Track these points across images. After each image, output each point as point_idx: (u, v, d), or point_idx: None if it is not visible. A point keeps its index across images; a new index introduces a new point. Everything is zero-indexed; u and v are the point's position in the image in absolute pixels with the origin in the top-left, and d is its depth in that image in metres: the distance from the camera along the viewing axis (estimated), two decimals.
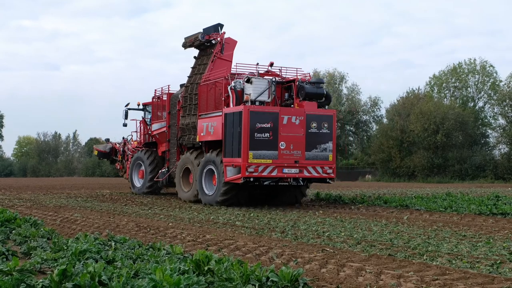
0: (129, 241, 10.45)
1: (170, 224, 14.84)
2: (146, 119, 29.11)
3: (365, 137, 73.13)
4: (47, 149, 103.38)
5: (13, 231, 12.20)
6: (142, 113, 29.94)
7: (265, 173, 19.75)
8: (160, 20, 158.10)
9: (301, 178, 20.40)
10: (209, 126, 21.68)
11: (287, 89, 21.75)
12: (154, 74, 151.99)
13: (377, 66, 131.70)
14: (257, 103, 20.38)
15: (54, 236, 11.44)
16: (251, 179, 19.70)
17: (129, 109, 30.00)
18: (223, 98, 21.09)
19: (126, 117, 29.79)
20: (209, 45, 23.99)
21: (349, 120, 71.13)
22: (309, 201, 24.47)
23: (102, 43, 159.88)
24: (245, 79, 20.78)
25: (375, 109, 73.59)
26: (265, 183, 20.09)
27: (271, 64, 22.35)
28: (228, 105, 20.92)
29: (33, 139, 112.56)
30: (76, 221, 15.39)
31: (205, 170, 21.60)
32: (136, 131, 30.38)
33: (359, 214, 17.99)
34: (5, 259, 9.00)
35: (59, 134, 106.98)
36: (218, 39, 23.52)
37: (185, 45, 24.95)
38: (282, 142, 19.97)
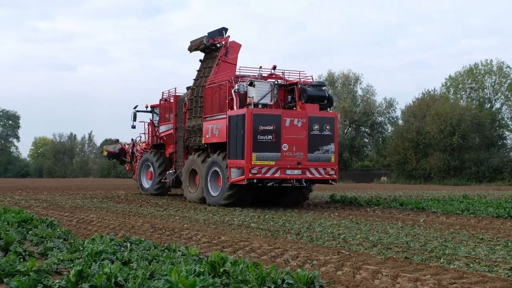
0: (145, 242, 10.48)
1: (185, 225, 14.87)
2: (154, 121, 29.50)
3: (380, 139, 72.81)
4: (62, 150, 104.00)
5: (30, 232, 12.29)
6: (150, 115, 30.35)
7: (268, 175, 20.28)
8: (173, 20, 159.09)
9: (303, 180, 20.88)
10: (214, 128, 22.24)
11: (290, 92, 22.22)
12: (166, 74, 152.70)
13: (392, 67, 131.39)
14: (260, 106, 20.93)
15: (70, 237, 11.50)
16: (255, 181, 20.23)
17: (138, 111, 30.54)
18: (227, 101, 21.62)
19: (134, 119, 30.34)
20: (214, 48, 24.49)
21: (364, 122, 70.87)
22: (324, 202, 24.42)
23: (116, 44, 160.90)
24: (248, 82, 21.22)
25: (390, 111, 73.22)
26: (268, 184, 20.61)
27: (274, 67, 22.88)
28: (232, 108, 21.42)
29: (49, 140, 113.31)
30: (92, 222, 15.46)
31: (210, 172, 22.09)
32: (144, 133, 30.95)
33: (374, 217, 17.91)
34: (22, 260, 9.06)
35: (75, 135, 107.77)
36: (223, 42, 24.00)
37: (191, 49, 25.43)
38: (285, 144, 20.52)
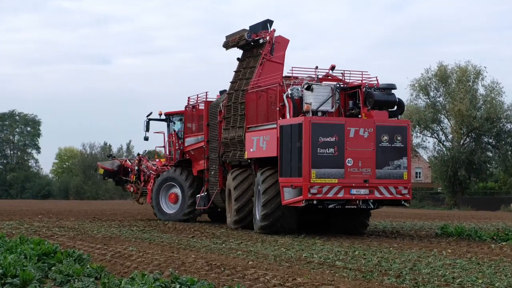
0: (198, 283, 10.57)
1: (250, 262, 14.91)
2: (174, 132, 30.76)
3: (509, 152, 71.36)
4: (94, 164, 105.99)
5: (53, 268, 12.56)
6: (165, 124, 31.77)
7: (329, 195, 21.38)
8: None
9: (371, 200, 21.92)
10: (261, 141, 23.45)
11: (351, 97, 23.23)
12: (227, 67, 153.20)
13: None
14: (319, 114, 22.10)
15: (104, 275, 11.70)
16: (314, 202, 21.30)
17: (151, 119, 31.73)
18: (277, 108, 22.71)
19: (147, 129, 31.56)
20: (256, 45, 25.68)
21: (487, 130, 69.61)
22: (432, 235, 24.13)
23: (162, 29, 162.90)
24: (305, 86, 22.30)
25: None
26: (330, 206, 21.79)
27: (333, 68, 23.82)
28: (284, 116, 22.55)
29: (77, 151, 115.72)
30: (131, 256, 15.69)
31: (257, 192, 23.45)
32: (164, 146, 32.04)
33: (502, 255, 17.56)
34: None
35: (110, 145, 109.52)
36: (267, 38, 25.04)
37: (227, 45, 26.70)
38: (349, 159, 21.61)
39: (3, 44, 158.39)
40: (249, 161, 24.29)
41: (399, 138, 22.17)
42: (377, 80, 23.29)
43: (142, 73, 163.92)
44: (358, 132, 21.69)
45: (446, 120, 72.84)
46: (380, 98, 22.35)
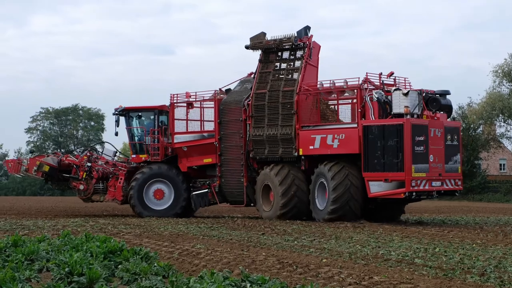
0: (270, 282, 10.61)
1: (324, 260, 14.90)
2: (132, 128, 32.88)
3: None
4: None
5: (119, 266, 12.78)
6: (122, 119, 33.22)
7: (421, 187, 25.59)
8: None
9: (435, 191, 26.54)
10: (329, 139, 26.96)
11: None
12: None
13: None
14: (415, 116, 26.03)
15: (172, 274, 11.84)
16: (413, 194, 25.55)
17: (119, 114, 33.15)
18: (359, 110, 26.58)
19: (118, 124, 33.19)
20: (290, 48, 29.02)
21: None
22: None
23: (227, 16, 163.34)
24: (397, 91, 25.99)
25: None
26: (422, 197, 27.00)
27: (391, 74, 27.80)
28: (365, 117, 26.40)
29: None
30: (199, 254, 15.82)
31: (317, 185, 27.37)
32: (132, 142, 33.25)
33: None
34: None
35: None
36: (307, 42, 28.56)
37: (254, 47, 29.66)
38: (431, 155, 25.83)
39: (63, 36, 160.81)
40: (303, 157, 27.78)
41: (455, 137, 26.84)
42: (410, 85, 27.76)
43: (205, 62, 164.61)
44: (435, 132, 25.98)
45: None
46: (444, 103, 26.78)
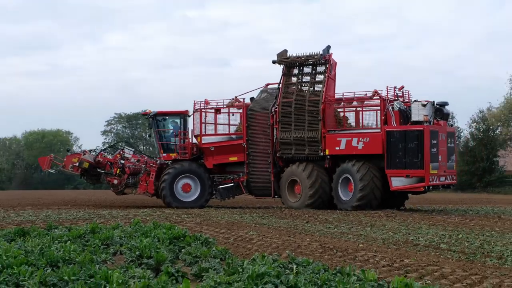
0: (313, 264, 10.63)
1: (361, 245, 14.90)
2: (160, 131, 32.90)
3: None
4: None
5: (183, 250, 12.91)
6: (152, 123, 33.13)
7: (434, 182, 27.51)
8: (345, 2, 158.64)
9: (445, 185, 29.25)
10: (353, 141, 28.36)
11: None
12: (340, 67, 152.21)
13: None
14: (431, 123, 27.84)
15: (228, 257, 11.93)
16: (430, 187, 27.79)
17: (150, 117, 33.23)
18: (382, 117, 28.10)
19: (152, 126, 33.47)
20: (312, 64, 30.16)
21: None
22: None
23: (277, 33, 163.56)
24: (415, 102, 27.97)
25: None
26: (431, 188, 28.47)
27: (401, 88, 29.60)
28: (387, 123, 27.84)
29: None
30: (251, 240, 15.91)
31: (340, 180, 28.48)
32: (162, 143, 32.98)
33: None
34: (175, 281, 9.54)
35: None
36: (328, 59, 29.80)
37: (281, 62, 30.28)
38: (440, 156, 27.59)
39: (134, 51, 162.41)
40: (328, 156, 28.84)
41: (452, 140, 29.20)
42: (408, 95, 29.77)
43: (256, 73, 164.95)
44: (441, 136, 27.81)
45: None
46: (446, 112, 28.75)
